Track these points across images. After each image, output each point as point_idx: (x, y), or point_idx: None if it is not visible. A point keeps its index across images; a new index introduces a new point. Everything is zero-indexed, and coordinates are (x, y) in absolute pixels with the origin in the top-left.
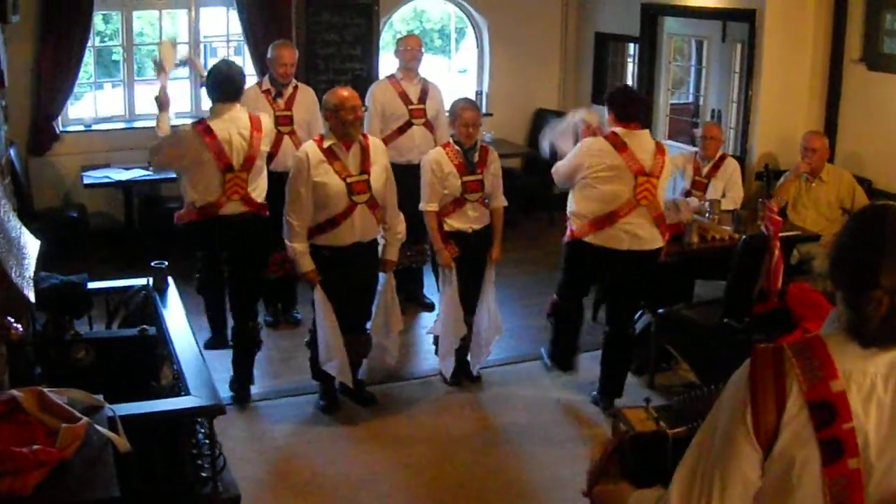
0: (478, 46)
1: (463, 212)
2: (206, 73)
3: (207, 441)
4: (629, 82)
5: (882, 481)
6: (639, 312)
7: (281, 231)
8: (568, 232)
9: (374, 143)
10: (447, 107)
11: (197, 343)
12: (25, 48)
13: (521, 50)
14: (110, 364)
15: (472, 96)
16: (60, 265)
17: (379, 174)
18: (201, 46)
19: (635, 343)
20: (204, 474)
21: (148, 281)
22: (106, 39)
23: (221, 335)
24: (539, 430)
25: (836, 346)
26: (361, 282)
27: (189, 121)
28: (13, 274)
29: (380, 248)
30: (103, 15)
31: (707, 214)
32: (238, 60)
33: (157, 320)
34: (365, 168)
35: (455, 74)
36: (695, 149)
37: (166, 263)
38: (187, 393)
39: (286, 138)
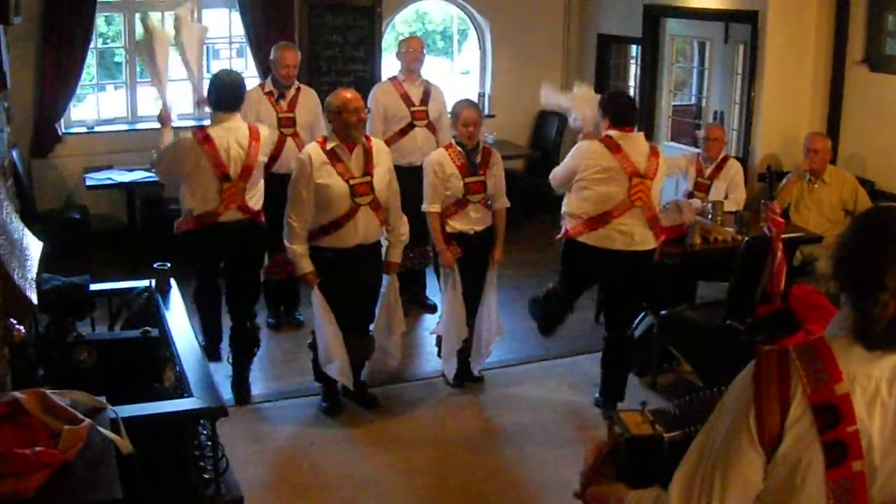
0: (480, 48)
1: (465, 213)
2: (205, 95)
3: (210, 443)
4: (631, 84)
5: (886, 484)
6: (641, 314)
7: (283, 233)
8: (562, 230)
9: (378, 144)
10: (449, 108)
11: (199, 345)
12: (28, 50)
13: (523, 52)
14: (113, 366)
15: (475, 98)
16: (63, 267)
17: (382, 176)
18: (204, 48)
19: (635, 347)
20: (206, 476)
21: (150, 283)
22: (108, 41)
23: (214, 349)
24: (541, 432)
25: (840, 349)
26: (364, 284)
27: (191, 122)
28: (16, 275)
29: (383, 251)
30: (105, 16)
31: (709, 216)
32: (240, 62)
33: (160, 322)
34: (368, 170)
35: (457, 76)
36: (697, 150)
37: (169, 265)
38: (190, 395)
39: (289, 140)
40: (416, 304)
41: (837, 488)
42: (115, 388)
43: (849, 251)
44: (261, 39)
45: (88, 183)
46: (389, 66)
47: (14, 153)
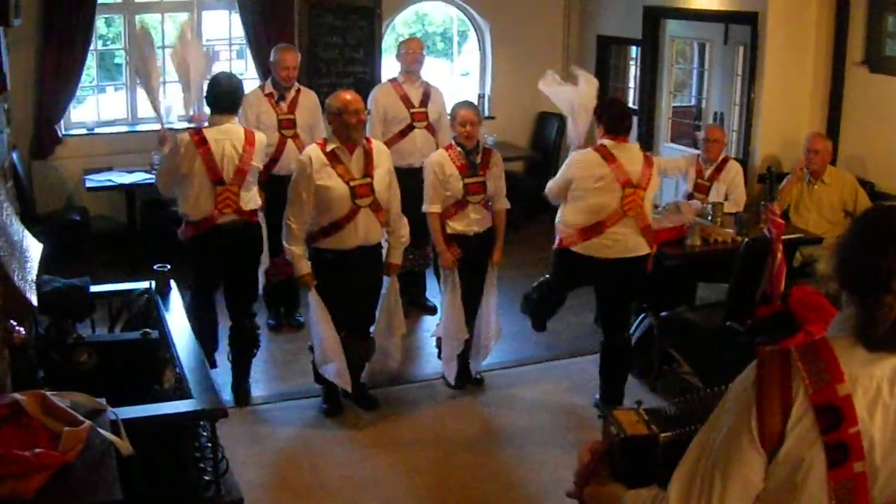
0: (480, 49)
1: (465, 214)
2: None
3: (210, 444)
4: (631, 85)
5: (887, 484)
6: (641, 316)
7: (282, 235)
8: (557, 240)
9: (378, 146)
10: (449, 110)
11: (199, 346)
12: (28, 51)
13: (523, 53)
14: (113, 367)
15: (475, 99)
16: (63, 268)
17: (382, 178)
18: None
19: (632, 352)
20: (206, 478)
21: (150, 284)
22: (108, 43)
23: (209, 360)
24: (541, 433)
25: (842, 350)
26: (365, 286)
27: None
28: (16, 277)
29: (383, 252)
30: (105, 18)
31: (709, 217)
32: (240, 64)
33: (160, 324)
34: (368, 171)
35: (457, 78)
36: (697, 151)
37: (169, 267)
38: (190, 396)
39: (289, 142)
40: (416, 305)
41: (839, 489)
42: (115, 389)
43: (853, 251)
44: (260, 41)
45: (88, 185)
46: (389, 67)
47: (14, 155)
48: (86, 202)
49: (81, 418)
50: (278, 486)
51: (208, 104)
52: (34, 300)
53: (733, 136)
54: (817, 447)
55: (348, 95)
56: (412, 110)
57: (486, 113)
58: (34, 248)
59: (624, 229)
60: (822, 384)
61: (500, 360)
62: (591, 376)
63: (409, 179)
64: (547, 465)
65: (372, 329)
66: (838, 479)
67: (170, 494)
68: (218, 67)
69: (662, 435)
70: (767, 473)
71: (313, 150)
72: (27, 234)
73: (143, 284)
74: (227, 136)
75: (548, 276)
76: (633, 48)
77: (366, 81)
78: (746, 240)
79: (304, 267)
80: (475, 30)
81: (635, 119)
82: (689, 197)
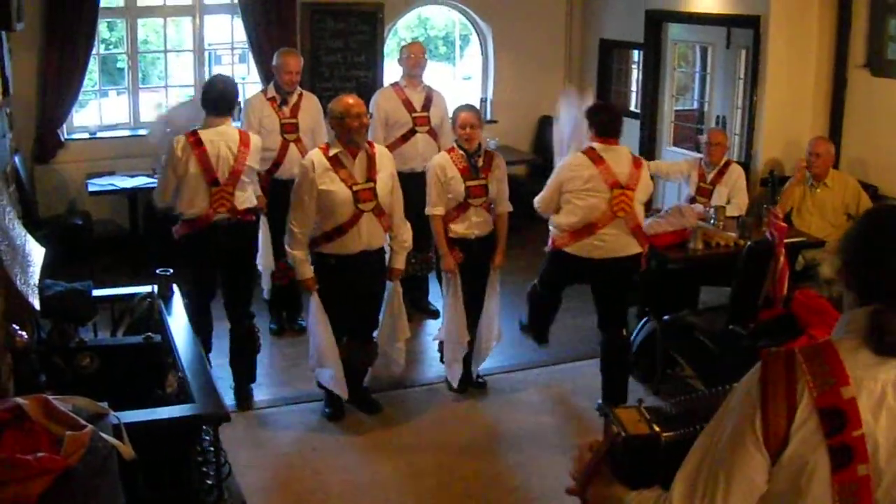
0: (482, 53)
1: (467, 216)
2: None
3: (212, 448)
4: (633, 89)
5: (891, 487)
6: (644, 320)
7: (284, 239)
8: (549, 242)
9: (381, 150)
10: (451, 114)
11: (201, 350)
12: (30, 56)
13: (525, 57)
14: (115, 371)
15: (477, 103)
16: (65, 272)
17: (385, 182)
18: (206, 54)
19: (631, 348)
20: (209, 482)
21: (153, 288)
22: (111, 47)
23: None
24: (543, 437)
25: (846, 352)
26: (368, 290)
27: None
28: (18, 281)
29: (386, 257)
30: (108, 22)
31: (712, 221)
32: (242, 68)
33: (162, 328)
34: (371, 176)
35: (459, 82)
36: (699, 155)
37: (171, 271)
38: (192, 400)
39: (292, 146)
40: (419, 309)
41: (843, 491)
42: (118, 393)
43: (862, 255)
44: (263, 45)
45: (91, 189)
46: (391, 71)
47: (16, 159)
48: (88, 206)
49: (84, 422)
50: (280, 489)
51: (204, 106)
52: (36, 304)
53: (735, 139)
54: (821, 450)
55: (350, 99)
56: (414, 114)
57: (489, 117)
58: (36, 253)
59: (614, 230)
60: (826, 387)
61: (503, 364)
62: (594, 380)
63: (411, 184)
64: (549, 469)
65: (375, 334)
66: (842, 482)
67: (172, 498)
68: (220, 71)
69: (664, 434)
70: (771, 476)
71: (316, 155)
72: (29, 238)
73: (146, 288)
74: (222, 137)
75: (535, 281)
76: (636, 52)
77: (368, 85)
78: (749, 243)
79: (307, 271)
80: (477, 34)
81: (637, 123)
82: (692, 200)
